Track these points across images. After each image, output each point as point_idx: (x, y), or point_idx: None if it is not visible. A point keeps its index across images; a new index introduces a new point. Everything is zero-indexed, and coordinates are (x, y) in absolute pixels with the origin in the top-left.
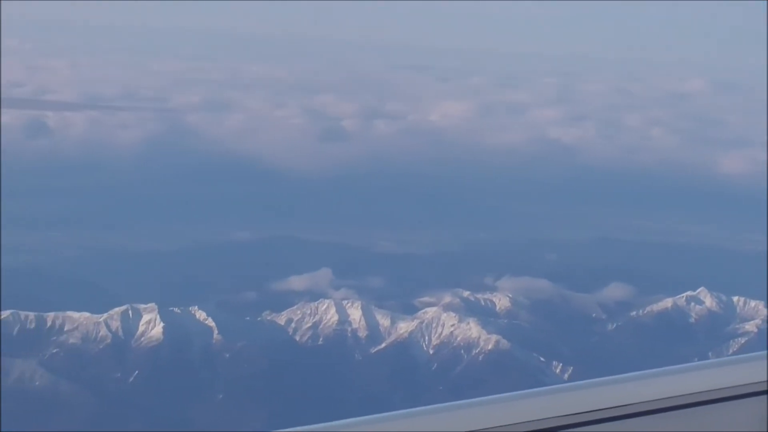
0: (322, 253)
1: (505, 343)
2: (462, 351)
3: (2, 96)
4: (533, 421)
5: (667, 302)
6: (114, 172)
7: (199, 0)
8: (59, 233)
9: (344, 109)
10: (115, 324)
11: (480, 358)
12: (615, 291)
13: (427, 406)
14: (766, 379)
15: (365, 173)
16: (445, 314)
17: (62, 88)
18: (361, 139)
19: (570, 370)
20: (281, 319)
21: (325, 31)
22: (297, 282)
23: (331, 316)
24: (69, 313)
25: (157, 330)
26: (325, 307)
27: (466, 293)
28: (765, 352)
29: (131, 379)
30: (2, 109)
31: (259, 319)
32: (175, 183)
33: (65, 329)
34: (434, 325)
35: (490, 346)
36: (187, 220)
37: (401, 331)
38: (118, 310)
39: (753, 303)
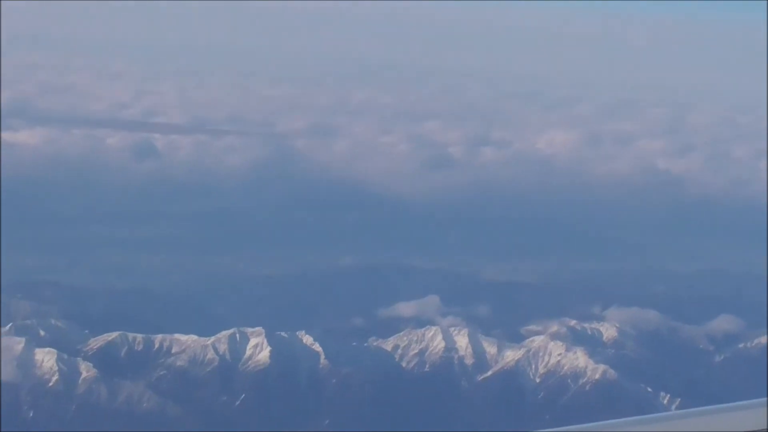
0: (428, 279)
1: (612, 373)
2: (569, 380)
3: (111, 118)
4: None
5: None
6: (221, 196)
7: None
8: (167, 256)
9: (451, 137)
10: (223, 347)
11: (587, 387)
12: (723, 323)
13: None
14: (765, 427)
15: (471, 200)
16: (552, 343)
17: (169, 110)
18: (468, 166)
19: (678, 402)
20: (388, 345)
21: (432, 58)
22: (404, 308)
23: (438, 343)
24: (177, 335)
25: (264, 354)
26: (431, 333)
27: (572, 322)
28: (765, 399)
29: (238, 402)
30: (111, 131)
31: (365, 344)
32: (281, 208)
33: (173, 351)
34: (541, 353)
35: (597, 376)
36: (294, 246)
37: (508, 360)
38: (225, 333)
39: None
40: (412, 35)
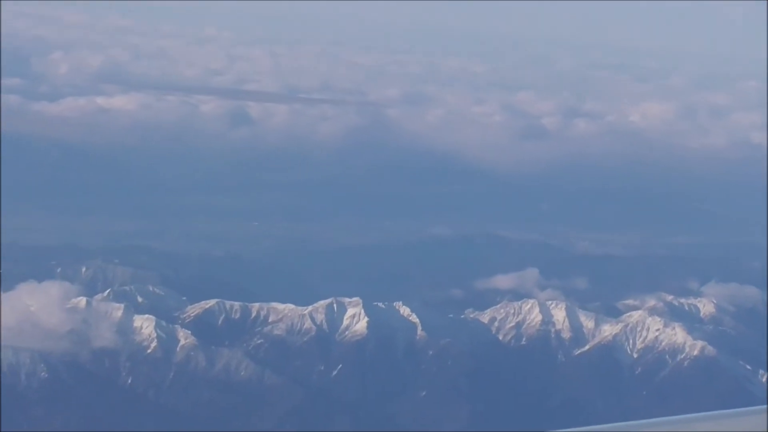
0: (521, 251)
1: (711, 350)
2: (667, 356)
3: (204, 84)
4: None
5: None
6: (314, 165)
7: None
8: (260, 224)
9: (543, 108)
10: (320, 317)
11: (685, 363)
12: None
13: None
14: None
15: (564, 172)
16: (650, 318)
17: (262, 77)
18: (561, 137)
19: None
20: (484, 317)
21: (523, 28)
22: (502, 280)
23: (535, 317)
24: (274, 304)
25: (362, 324)
26: (528, 306)
27: (669, 297)
28: (765, 406)
29: (335, 372)
30: (204, 97)
31: (462, 316)
32: (374, 177)
33: (270, 320)
34: (639, 328)
35: (695, 352)
36: (387, 215)
37: (605, 334)
38: (323, 303)
39: None
40: (503, 4)
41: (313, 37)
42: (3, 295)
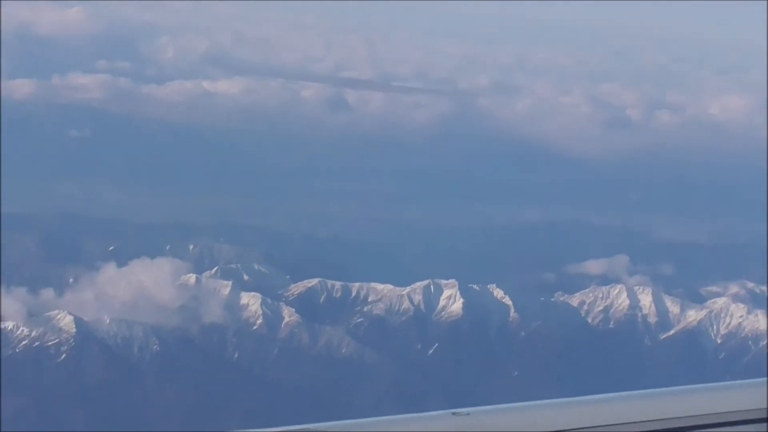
0: (609, 237)
1: None
2: (750, 342)
3: (304, 70)
4: None
5: None
6: (409, 151)
7: None
8: (358, 207)
9: (627, 99)
10: (418, 297)
11: None
12: None
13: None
14: (766, 406)
15: (648, 161)
16: (733, 305)
17: (358, 65)
18: (645, 128)
19: None
20: (574, 300)
21: (607, 22)
22: (592, 266)
23: (623, 301)
24: (373, 284)
25: (457, 305)
26: (616, 291)
27: (750, 285)
28: (765, 379)
29: (431, 351)
30: (304, 83)
31: (552, 299)
32: (467, 164)
33: (369, 300)
34: (723, 315)
35: None
36: (479, 200)
37: (690, 320)
38: (420, 284)
39: None
40: None
41: (406, 26)
42: (117, 270)
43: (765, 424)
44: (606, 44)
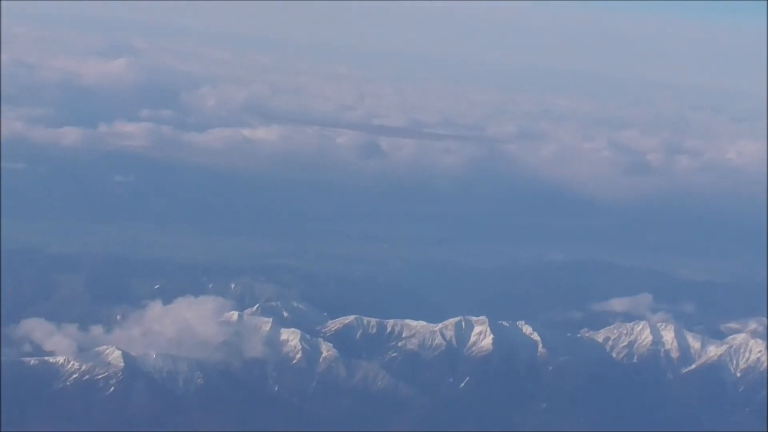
0: (630, 277)
1: None
2: None
3: (338, 118)
4: None
5: None
6: (439, 195)
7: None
8: (390, 247)
9: (647, 144)
10: (449, 333)
11: None
12: None
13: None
14: None
15: (668, 204)
16: (752, 340)
17: (390, 113)
18: (665, 172)
19: None
20: (599, 336)
21: (627, 70)
22: (616, 304)
23: (646, 337)
24: (407, 321)
25: (488, 341)
26: (640, 328)
27: None
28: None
29: (462, 384)
30: (338, 130)
31: (578, 335)
32: (494, 206)
33: (403, 335)
34: (742, 350)
35: None
36: (506, 241)
37: (711, 354)
38: (452, 320)
39: None
40: (606, 48)
41: (435, 76)
42: (163, 308)
43: None
44: (625, 93)
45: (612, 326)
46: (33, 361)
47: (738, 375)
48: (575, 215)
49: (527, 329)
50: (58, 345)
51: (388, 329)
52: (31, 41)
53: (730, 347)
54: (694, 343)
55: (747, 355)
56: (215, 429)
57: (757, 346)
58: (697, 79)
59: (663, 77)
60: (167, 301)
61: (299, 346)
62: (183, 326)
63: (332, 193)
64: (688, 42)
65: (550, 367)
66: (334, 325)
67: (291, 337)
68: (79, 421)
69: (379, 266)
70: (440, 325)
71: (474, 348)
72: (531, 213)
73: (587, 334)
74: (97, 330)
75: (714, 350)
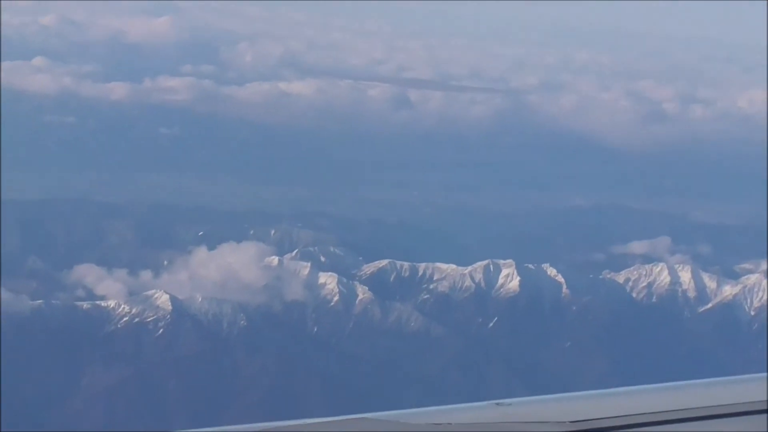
0: (648, 220)
1: None
2: None
3: (369, 72)
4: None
5: None
6: (467, 145)
7: None
8: (421, 194)
9: (663, 94)
10: (478, 276)
11: None
12: None
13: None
14: (766, 398)
15: (683, 151)
16: (765, 280)
17: (418, 66)
18: (680, 121)
19: None
20: (620, 278)
21: (643, 25)
22: (636, 246)
23: (664, 278)
24: (438, 264)
25: (514, 283)
26: (658, 269)
27: None
28: (765, 374)
29: (491, 324)
30: (370, 83)
31: (600, 277)
32: (519, 155)
33: (435, 278)
34: (756, 290)
35: None
36: (531, 187)
37: (726, 294)
38: (480, 264)
39: None
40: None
41: (461, 31)
42: (207, 253)
43: (765, 416)
44: (641, 45)
45: (632, 268)
46: (86, 305)
47: (752, 314)
48: (595, 162)
49: (552, 271)
50: (109, 289)
51: (420, 272)
52: (78, 1)
53: (744, 287)
54: (710, 283)
55: (760, 294)
56: (257, 367)
57: None
58: (709, 31)
59: (676, 30)
60: (211, 246)
61: (336, 289)
62: (227, 271)
63: (365, 142)
64: None
65: (574, 307)
66: (369, 268)
67: (328, 280)
68: (130, 362)
69: (410, 212)
70: (469, 268)
71: (501, 290)
72: (553, 160)
73: (609, 276)
74: (145, 275)
75: (729, 290)
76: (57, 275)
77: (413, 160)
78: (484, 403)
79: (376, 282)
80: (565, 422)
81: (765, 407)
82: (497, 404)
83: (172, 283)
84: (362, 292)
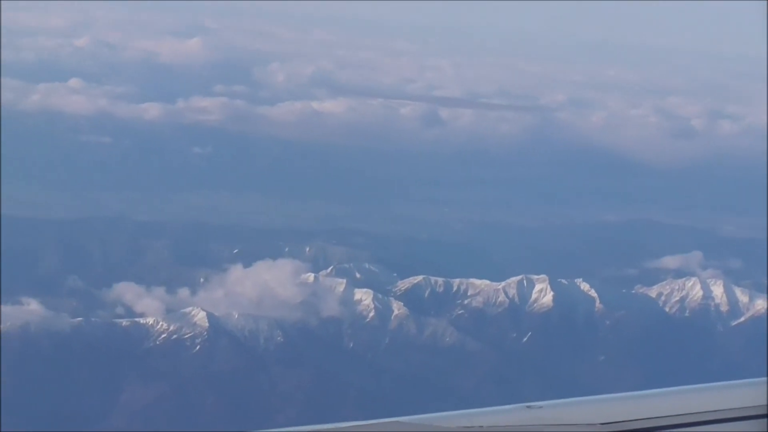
0: (679, 235)
1: None
2: None
3: (399, 90)
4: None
5: None
6: (497, 161)
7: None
8: (452, 211)
9: (691, 110)
10: (512, 291)
11: None
12: None
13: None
14: (765, 402)
15: (712, 166)
16: None
17: (448, 84)
18: (708, 136)
19: None
20: (652, 292)
21: (669, 41)
22: (668, 261)
23: (696, 292)
24: (472, 279)
25: (548, 298)
26: (691, 283)
27: None
28: (765, 378)
29: (525, 339)
30: (401, 102)
31: (633, 291)
32: (549, 171)
33: (469, 294)
34: None
35: None
36: (561, 203)
37: (758, 307)
38: (514, 279)
39: None
40: (650, 19)
41: (489, 49)
42: (243, 271)
43: (765, 420)
44: (668, 62)
45: (664, 282)
46: (125, 322)
47: None
48: (625, 177)
49: (585, 286)
50: (147, 307)
51: (455, 288)
52: (111, 23)
53: None
54: (742, 297)
55: None
56: (294, 383)
57: None
58: (735, 47)
59: (703, 46)
60: (247, 264)
61: (372, 305)
62: (263, 288)
63: (396, 160)
64: (727, 13)
65: (607, 322)
66: (404, 284)
67: (364, 296)
68: (168, 378)
69: (442, 228)
70: (503, 283)
71: (535, 305)
72: (584, 176)
73: (641, 290)
74: (183, 292)
75: (761, 303)
76: (96, 293)
77: (444, 177)
78: (515, 405)
79: (410, 298)
80: (596, 424)
81: (765, 411)
82: (528, 407)
83: (209, 300)
84: (397, 308)
